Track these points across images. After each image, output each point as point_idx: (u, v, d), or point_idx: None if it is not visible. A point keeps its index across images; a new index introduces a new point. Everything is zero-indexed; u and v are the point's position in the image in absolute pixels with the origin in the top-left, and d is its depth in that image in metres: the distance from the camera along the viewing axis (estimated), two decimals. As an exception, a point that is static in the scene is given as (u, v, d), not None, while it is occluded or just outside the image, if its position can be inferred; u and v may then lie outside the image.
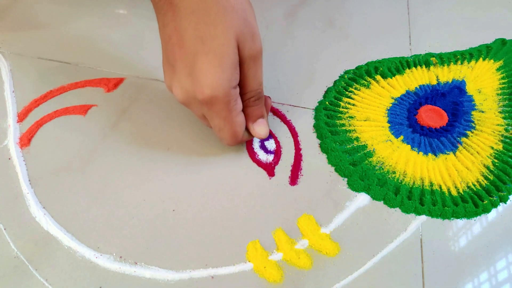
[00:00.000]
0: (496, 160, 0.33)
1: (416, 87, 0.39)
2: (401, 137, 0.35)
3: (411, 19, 0.47)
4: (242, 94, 0.31)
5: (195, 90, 0.29)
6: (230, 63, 0.28)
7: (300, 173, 0.33)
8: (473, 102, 0.38)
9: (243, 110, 0.32)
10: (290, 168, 0.34)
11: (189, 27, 0.28)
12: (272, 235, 0.30)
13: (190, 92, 0.29)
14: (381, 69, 0.40)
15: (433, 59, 0.41)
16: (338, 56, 0.42)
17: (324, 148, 0.35)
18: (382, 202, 0.32)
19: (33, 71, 0.41)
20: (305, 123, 0.37)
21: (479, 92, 0.39)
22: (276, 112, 0.37)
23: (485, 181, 0.32)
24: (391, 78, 0.40)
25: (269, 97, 0.35)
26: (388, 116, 0.37)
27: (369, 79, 0.40)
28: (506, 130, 0.36)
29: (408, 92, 0.39)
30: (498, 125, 0.36)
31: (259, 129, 0.33)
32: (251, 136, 0.33)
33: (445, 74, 0.40)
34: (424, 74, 0.40)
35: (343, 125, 0.36)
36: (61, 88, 0.39)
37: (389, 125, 0.36)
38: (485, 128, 0.36)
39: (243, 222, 0.31)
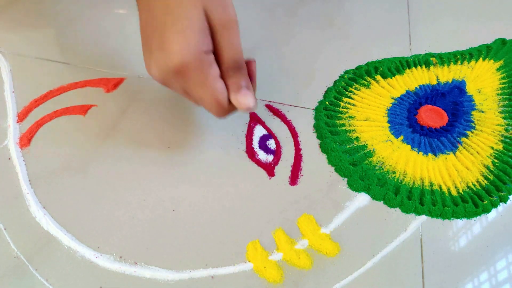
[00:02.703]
0: (496, 160, 0.33)
1: (416, 87, 0.39)
2: (401, 137, 0.35)
3: (411, 19, 0.47)
4: (220, 64, 0.30)
5: (166, 61, 0.28)
6: (196, 28, 0.28)
7: (300, 173, 0.33)
8: (473, 102, 0.38)
9: (225, 82, 0.30)
10: (290, 168, 0.34)
11: (158, 3, 0.29)
12: (272, 235, 0.30)
13: (163, 65, 0.29)
14: (381, 69, 0.40)
15: (433, 59, 0.41)
16: (338, 56, 0.42)
17: (324, 148, 0.35)
18: (382, 202, 0.32)
19: (33, 71, 0.41)
20: (305, 123, 0.37)
21: (479, 92, 0.38)
22: (276, 112, 0.37)
23: (485, 181, 0.32)
24: (391, 78, 0.40)
25: (254, 60, 0.31)
26: (388, 116, 0.37)
27: (369, 79, 0.40)
28: (506, 130, 0.36)
29: (408, 92, 0.38)
30: (498, 125, 0.36)
31: (243, 99, 0.29)
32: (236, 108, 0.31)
33: (445, 74, 0.40)
34: (424, 74, 0.40)
35: (343, 125, 0.36)
36: (61, 88, 0.39)
37: (389, 125, 0.36)
38: (485, 128, 0.36)
39: (243, 222, 0.31)
